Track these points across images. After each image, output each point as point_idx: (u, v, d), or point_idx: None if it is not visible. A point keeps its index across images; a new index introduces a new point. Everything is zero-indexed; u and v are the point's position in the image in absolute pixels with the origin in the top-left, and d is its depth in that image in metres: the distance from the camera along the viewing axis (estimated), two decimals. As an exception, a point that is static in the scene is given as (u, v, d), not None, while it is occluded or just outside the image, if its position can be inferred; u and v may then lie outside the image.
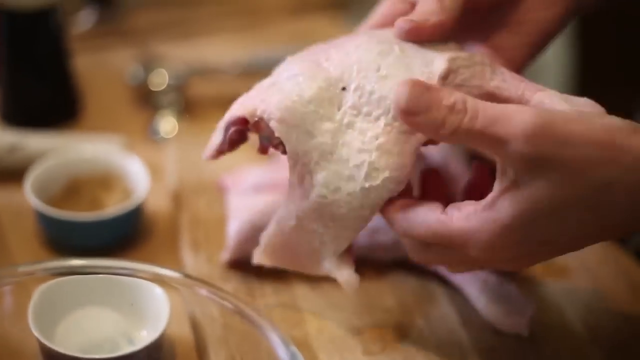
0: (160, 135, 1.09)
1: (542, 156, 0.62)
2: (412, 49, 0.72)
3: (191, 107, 1.14)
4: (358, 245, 0.87)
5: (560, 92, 0.68)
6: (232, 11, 1.34)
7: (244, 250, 0.86)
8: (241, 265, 0.86)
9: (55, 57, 1.09)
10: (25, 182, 0.92)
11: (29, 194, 0.91)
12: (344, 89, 0.71)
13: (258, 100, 0.72)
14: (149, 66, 1.14)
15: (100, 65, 1.22)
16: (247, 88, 0.76)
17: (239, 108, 0.74)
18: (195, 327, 0.82)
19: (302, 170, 0.71)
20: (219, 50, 1.25)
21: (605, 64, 2.06)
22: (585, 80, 2.18)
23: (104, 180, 0.96)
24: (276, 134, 0.70)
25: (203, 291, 0.76)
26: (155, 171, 0.99)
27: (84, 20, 1.29)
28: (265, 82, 0.74)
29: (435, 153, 0.93)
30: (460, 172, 0.94)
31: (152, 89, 1.13)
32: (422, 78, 0.69)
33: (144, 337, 0.80)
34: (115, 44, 1.27)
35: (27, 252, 0.92)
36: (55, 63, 1.09)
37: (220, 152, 0.76)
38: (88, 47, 1.24)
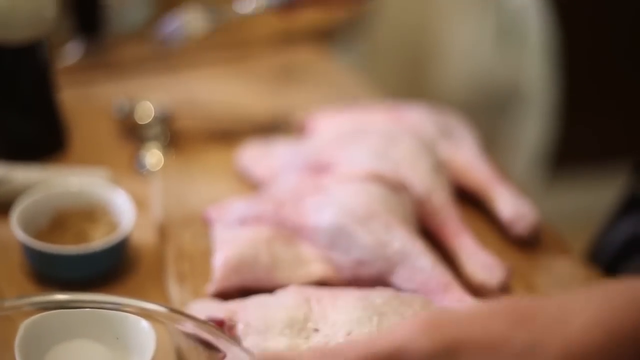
0: (146, 168, 1.09)
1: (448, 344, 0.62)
2: (389, 321, 0.78)
3: (177, 140, 1.14)
4: (342, 277, 0.87)
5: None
6: (218, 44, 1.35)
7: (230, 282, 0.86)
8: (227, 297, 0.86)
9: (41, 90, 1.10)
10: (11, 216, 0.93)
11: (15, 228, 0.91)
12: (316, 330, 0.79)
13: (240, 307, 0.81)
14: (134, 99, 1.15)
15: (85, 99, 1.23)
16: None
17: (220, 310, 0.81)
18: (180, 357, 0.82)
19: None
20: (205, 82, 1.26)
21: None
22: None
23: (90, 214, 0.97)
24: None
25: (189, 325, 0.77)
26: (140, 204, 0.99)
27: (70, 54, 1.30)
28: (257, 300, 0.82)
29: (419, 185, 0.94)
30: (443, 203, 0.95)
31: (138, 122, 1.13)
32: None
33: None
34: (101, 77, 1.27)
35: (13, 284, 0.92)
36: (41, 97, 1.10)
37: None
38: (74, 80, 1.24)
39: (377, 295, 0.81)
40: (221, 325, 0.81)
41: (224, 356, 0.77)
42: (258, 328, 0.79)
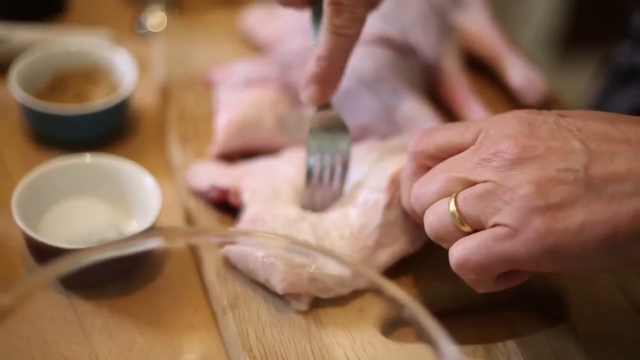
0: (148, 30, 1.07)
1: None
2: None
3: (179, 1, 1.11)
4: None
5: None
6: None
7: (233, 144, 0.85)
8: (230, 158, 0.85)
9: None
10: (10, 75, 0.90)
11: (14, 87, 0.89)
12: None
13: (243, 175, 0.80)
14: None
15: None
16: None
17: (224, 177, 0.81)
18: (188, 218, 0.81)
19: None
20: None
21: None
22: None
23: (91, 74, 0.95)
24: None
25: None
26: (142, 66, 0.97)
27: None
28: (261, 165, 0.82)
29: (428, 50, 0.92)
30: (453, 69, 0.93)
31: (140, -18, 1.11)
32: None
33: (133, 228, 0.79)
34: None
35: (12, 146, 0.91)
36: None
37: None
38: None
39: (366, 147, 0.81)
40: (226, 194, 0.80)
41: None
42: (265, 196, 0.78)
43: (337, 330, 0.71)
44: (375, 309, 0.72)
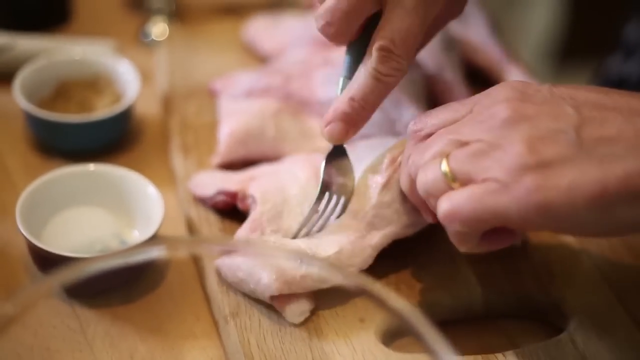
0: (151, 38, 1.07)
1: None
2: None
3: (183, 11, 1.12)
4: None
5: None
6: None
7: (235, 154, 0.85)
8: (231, 168, 0.85)
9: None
10: (14, 84, 0.91)
11: (18, 96, 0.90)
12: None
13: (250, 179, 0.81)
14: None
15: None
16: None
17: (232, 184, 0.81)
18: (190, 227, 0.82)
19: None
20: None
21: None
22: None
23: (94, 84, 0.95)
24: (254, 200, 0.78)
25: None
26: (145, 76, 0.98)
27: None
28: (267, 169, 0.82)
29: (430, 62, 0.93)
30: (454, 80, 0.94)
31: (144, -8, 1.11)
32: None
33: (136, 237, 0.79)
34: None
35: (16, 154, 0.92)
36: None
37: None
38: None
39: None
40: (234, 198, 0.80)
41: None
42: (275, 199, 0.78)
43: (338, 340, 0.72)
44: (376, 318, 0.72)
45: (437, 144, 0.68)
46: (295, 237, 0.76)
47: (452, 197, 0.65)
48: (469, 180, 0.65)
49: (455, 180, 0.66)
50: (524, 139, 0.63)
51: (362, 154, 0.79)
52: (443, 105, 0.73)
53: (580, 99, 0.65)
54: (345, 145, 0.78)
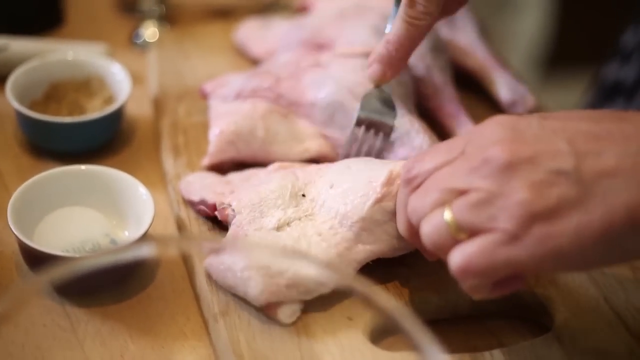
0: (143, 40, 1.08)
1: None
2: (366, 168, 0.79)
3: (174, 15, 1.13)
4: (338, 154, 0.87)
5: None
6: None
7: (225, 155, 0.86)
8: (221, 170, 0.86)
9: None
10: (7, 85, 0.92)
11: (10, 97, 0.90)
12: (303, 195, 0.79)
13: (229, 192, 0.81)
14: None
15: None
16: None
17: (212, 195, 0.81)
18: (180, 227, 0.82)
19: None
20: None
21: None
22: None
23: (86, 86, 0.96)
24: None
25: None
26: (137, 79, 0.98)
27: None
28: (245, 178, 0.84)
29: (419, 64, 0.93)
30: (443, 83, 0.94)
31: (135, -4, 1.12)
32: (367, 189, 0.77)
33: (126, 237, 0.80)
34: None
35: (8, 156, 0.92)
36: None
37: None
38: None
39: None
40: (214, 210, 0.80)
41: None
42: (252, 201, 0.78)
43: (327, 338, 0.72)
44: (364, 317, 0.73)
45: (435, 193, 0.67)
46: (345, 154, 0.84)
47: (464, 252, 0.64)
48: (474, 230, 0.65)
49: (460, 230, 0.65)
50: (526, 186, 0.63)
51: (354, 166, 0.80)
52: (433, 147, 0.73)
53: (572, 131, 0.65)
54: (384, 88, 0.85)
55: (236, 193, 0.80)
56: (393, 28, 0.83)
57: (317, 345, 0.72)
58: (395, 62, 0.83)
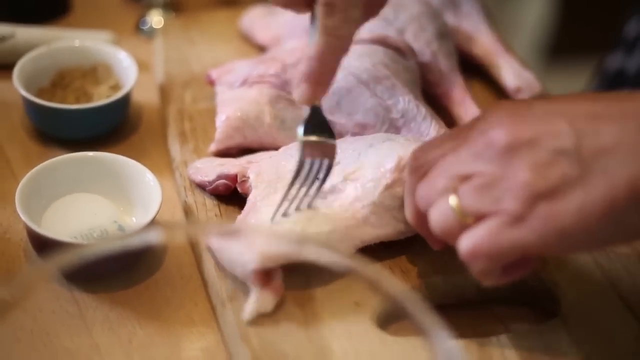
0: (149, 27, 1.08)
1: None
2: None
3: (180, 2, 1.13)
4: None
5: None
6: None
7: (232, 141, 0.86)
8: (228, 156, 0.86)
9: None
10: (14, 72, 0.92)
11: (17, 84, 0.91)
12: (317, 178, 0.77)
13: (248, 163, 0.82)
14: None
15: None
16: None
17: (232, 168, 0.81)
18: (188, 214, 0.82)
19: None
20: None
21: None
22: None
23: (92, 74, 0.96)
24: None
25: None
26: (143, 66, 0.98)
27: None
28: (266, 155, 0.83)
29: (425, 50, 0.93)
30: (449, 69, 0.94)
31: (141, -16, 1.12)
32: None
33: (134, 224, 0.80)
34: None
35: (15, 143, 0.92)
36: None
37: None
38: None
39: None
40: (234, 181, 0.81)
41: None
42: (270, 177, 0.79)
43: (334, 323, 0.72)
44: (371, 302, 0.73)
45: (441, 180, 0.68)
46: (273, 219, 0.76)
47: (471, 236, 0.65)
48: (480, 214, 0.65)
49: (466, 215, 0.66)
50: (528, 167, 0.63)
51: (361, 148, 0.80)
52: (440, 137, 0.73)
53: (572, 112, 0.65)
54: (319, 106, 0.79)
55: (257, 165, 0.81)
56: (312, 43, 0.77)
57: (324, 330, 0.72)
58: (323, 77, 0.78)
